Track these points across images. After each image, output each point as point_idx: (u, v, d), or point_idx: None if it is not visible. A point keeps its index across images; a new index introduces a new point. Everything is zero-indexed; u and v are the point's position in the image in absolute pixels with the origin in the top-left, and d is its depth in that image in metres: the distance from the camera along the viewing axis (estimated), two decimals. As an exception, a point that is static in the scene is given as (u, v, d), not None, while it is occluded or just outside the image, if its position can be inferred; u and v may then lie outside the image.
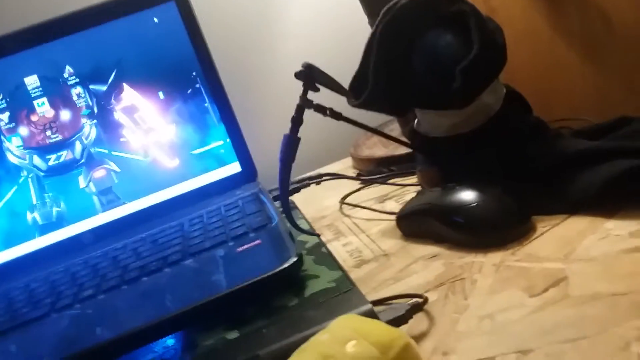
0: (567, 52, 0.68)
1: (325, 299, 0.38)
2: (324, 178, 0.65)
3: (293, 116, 0.48)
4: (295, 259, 0.40)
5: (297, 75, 0.48)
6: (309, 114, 0.51)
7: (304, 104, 0.48)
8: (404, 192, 0.62)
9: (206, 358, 0.35)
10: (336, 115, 0.50)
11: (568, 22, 0.66)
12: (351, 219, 0.60)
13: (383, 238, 0.52)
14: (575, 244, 0.40)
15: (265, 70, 0.84)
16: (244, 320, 0.38)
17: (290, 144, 0.47)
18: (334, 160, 0.84)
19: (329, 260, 0.44)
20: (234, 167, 0.66)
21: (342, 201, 0.64)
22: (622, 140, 0.48)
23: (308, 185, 0.64)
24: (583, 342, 0.30)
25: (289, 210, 0.48)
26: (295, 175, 0.78)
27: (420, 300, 0.37)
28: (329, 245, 0.53)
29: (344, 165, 0.80)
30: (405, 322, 0.36)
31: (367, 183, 0.67)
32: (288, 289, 0.41)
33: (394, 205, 0.59)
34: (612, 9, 0.59)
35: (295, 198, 0.70)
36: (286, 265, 0.40)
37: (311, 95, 0.49)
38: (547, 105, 0.75)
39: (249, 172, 0.66)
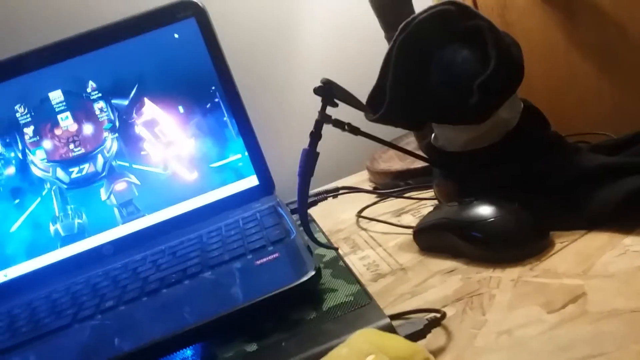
0: (583, 65, 0.68)
1: (344, 313, 0.38)
2: (341, 192, 0.65)
3: (312, 131, 0.48)
4: (313, 272, 0.41)
5: (316, 90, 0.49)
6: (326, 128, 0.52)
7: (323, 119, 0.48)
8: (420, 206, 0.62)
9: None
10: (354, 130, 0.50)
11: (584, 35, 0.66)
12: (368, 232, 0.60)
13: (400, 252, 0.52)
14: (594, 260, 0.40)
15: (283, 84, 0.85)
16: (262, 333, 0.39)
17: (309, 158, 0.47)
18: (350, 173, 0.85)
19: (347, 274, 0.44)
20: (252, 181, 0.67)
21: (359, 214, 0.64)
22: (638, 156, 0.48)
23: (325, 198, 0.64)
24: (601, 359, 0.30)
25: (307, 223, 0.48)
26: (312, 189, 0.79)
27: (438, 315, 0.37)
28: (346, 259, 0.53)
29: (360, 179, 0.81)
30: (424, 336, 0.36)
31: (383, 197, 0.68)
32: (306, 302, 0.41)
33: (411, 219, 0.59)
34: (629, 21, 0.59)
35: (312, 211, 0.70)
36: (304, 278, 0.40)
37: (330, 110, 0.50)
38: (564, 119, 0.75)
39: (266, 186, 0.66)
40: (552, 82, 0.75)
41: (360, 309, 0.38)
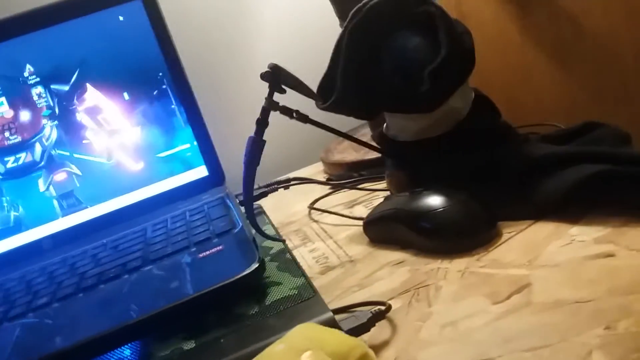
0: (537, 57, 0.68)
1: (287, 307, 0.37)
2: (292, 182, 0.64)
3: (258, 118, 0.47)
4: (256, 265, 0.39)
5: (263, 76, 0.47)
6: (279, 118, 0.50)
7: (270, 106, 0.47)
8: (373, 197, 0.61)
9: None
10: (303, 118, 0.49)
11: (538, 27, 0.66)
12: (319, 224, 0.59)
13: (350, 244, 0.51)
14: (540, 250, 0.39)
15: (234, 71, 0.83)
16: (202, 330, 0.37)
17: (255, 146, 0.46)
18: (305, 165, 0.84)
19: (293, 267, 0.43)
20: (201, 171, 0.65)
21: (311, 206, 0.63)
22: (588, 146, 0.48)
23: (276, 189, 0.63)
24: (544, 351, 0.30)
25: (252, 215, 0.47)
26: (266, 180, 0.77)
27: (382, 307, 0.36)
28: (295, 251, 0.52)
29: (315, 170, 0.79)
30: (367, 330, 0.35)
31: (336, 188, 0.67)
32: (249, 296, 0.39)
33: (363, 211, 0.58)
34: (582, 15, 0.59)
35: (264, 203, 0.69)
36: (247, 271, 0.39)
37: (279, 97, 0.48)
38: (517, 109, 0.75)
39: (216, 176, 0.64)
40: (507, 73, 0.75)
41: (304, 302, 0.37)
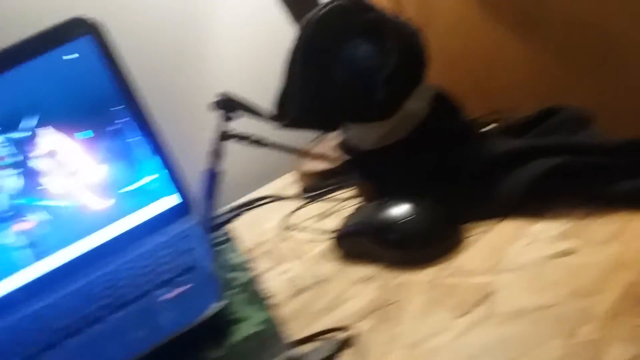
0: (502, 37, 0.67)
1: (250, 347, 0.36)
2: (258, 203, 0.63)
3: (212, 149, 0.46)
4: (221, 304, 0.38)
5: (214, 105, 0.46)
6: (253, 130, 0.49)
7: (222, 135, 0.46)
8: (345, 206, 0.60)
9: None
10: (259, 142, 0.48)
11: (501, 6, 0.65)
12: (291, 241, 0.58)
13: (322, 261, 0.50)
14: (503, 253, 0.39)
15: (195, 96, 0.81)
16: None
17: (211, 178, 0.45)
18: (281, 174, 0.83)
19: (260, 299, 0.42)
20: (171, 200, 0.64)
21: (283, 224, 0.62)
22: (547, 134, 0.47)
23: (243, 213, 0.62)
24: (506, 367, 0.29)
25: (213, 249, 0.46)
26: (244, 193, 0.76)
27: (348, 334, 0.35)
28: (267, 275, 0.51)
29: (291, 180, 0.78)
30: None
31: (308, 200, 0.66)
32: (214, 336, 0.39)
33: (335, 222, 0.57)
34: None
35: (236, 223, 0.68)
36: (211, 312, 0.38)
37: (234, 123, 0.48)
38: (488, 93, 0.74)
39: (186, 204, 0.63)
40: (473, 57, 0.74)
41: (268, 340, 0.36)
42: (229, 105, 0.46)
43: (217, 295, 0.39)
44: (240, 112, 0.46)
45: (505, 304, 0.34)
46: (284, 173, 0.82)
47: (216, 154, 0.45)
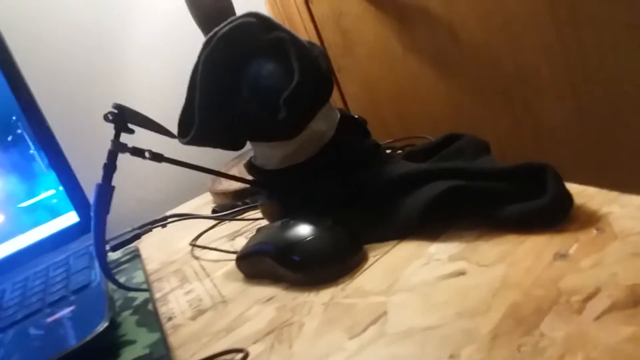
0: (421, 69, 0.69)
1: (135, 371, 0.34)
2: (169, 220, 0.61)
3: (105, 163, 0.44)
4: (105, 325, 0.36)
5: (106, 117, 0.44)
6: (165, 151, 0.47)
7: (116, 148, 0.44)
8: (256, 226, 0.60)
9: None
10: (157, 157, 0.46)
11: (419, 39, 0.67)
12: (200, 261, 0.56)
13: (226, 281, 0.49)
14: (399, 273, 0.39)
15: (101, 108, 0.78)
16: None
17: (104, 193, 0.43)
18: (197, 195, 0.81)
19: (152, 320, 0.40)
20: (71, 218, 0.60)
21: (192, 243, 0.60)
22: (449, 159, 0.48)
23: (150, 230, 0.59)
24: (390, 388, 0.29)
25: (106, 267, 0.43)
26: (156, 213, 0.74)
27: (239, 358, 0.34)
28: (171, 295, 0.49)
29: (204, 201, 0.77)
30: (221, 386, 0.33)
31: (218, 220, 0.64)
32: (101, 359, 0.36)
33: (244, 242, 0.56)
34: (460, 27, 0.60)
35: (148, 242, 0.65)
36: (94, 334, 0.36)
37: (130, 138, 0.46)
38: (407, 122, 0.76)
39: (87, 222, 0.60)
40: (394, 86, 0.75)
41: (154, 363, 0.34)
42: (122, 117, 0.44)
43: (102, 316, 0.37)
44: (135, 126, 0.44)
45: (396, 324, 0.34)
46: (200, 193, 0.81)
47: (108, 168, 0.43)
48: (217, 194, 0.72)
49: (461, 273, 0.36)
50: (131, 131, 0.44)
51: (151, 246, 0.64)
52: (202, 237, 0.62)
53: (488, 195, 0.40)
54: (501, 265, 0.36)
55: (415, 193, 0.43)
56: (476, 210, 0.41)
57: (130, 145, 0.45)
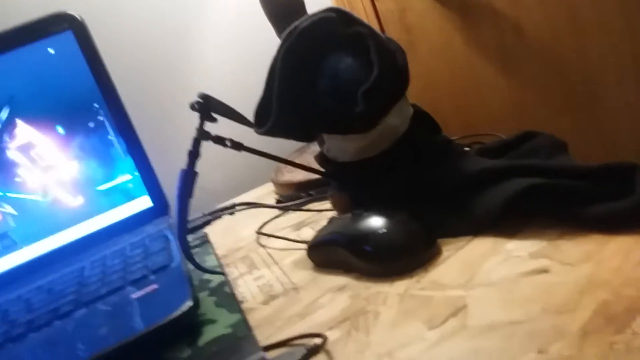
0: (483, 66, 0.69)
1: (219, 348, 0.35)
2: (237, 208, 0.62)
3: (189, 149, 0.45)
4: (190, 304, 0.38)
5: (192, 106, 0.46)
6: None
7: (201, 136, 0.45)
8: (321, 217, 0.60)
9: None
10: (237, 146, 0.48)
11: (483, 36, 0.67)
12: (266, 249, 0.57)
13: (295, 269, 0.50)
14: (477, 268, 0.39)
15: (176, 99, 0.81)
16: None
17: (187, 179, 0.44)
18: (256, 185, 0.82)
19: (231, 302, 0.41)
20: (144, 202, 0.63)
21: (258, 231, 0.61)
22: (524, 157, 0.48)
23: (220, 216, 0.61)
24: (476, 379, 0.29)
25: (188, 250, 0.45)
26: (216, 203, 0.76)
27: (318, 342, 0.35)
28: (240, 280, 0.51)
29: (266, 191, 0.78)
30: (302, 367, 0.34)
31: (284, 210, 0.65)
32: (183, 337, 0.38)
33: (311, 232, 0.57)
34: (525, 22, 0.60)
35: (213, 229, 0.67)
36: (180, 312, 0.37)
37: (213, 126, 0.47)
38: (467, 119, 0.75)
39: (160, 207, 0.62)
40: (455, 83, 0.75)
41: (237, 342, 0.35)
42: (206, 107, 0.45)
43: (186, 296, 0.38)
44: (218, 115, 0.46)
45: (477, 318, 0.34)
46: (263, 183, 0.82)
47: (192, 154, 0.44)
48: (280, 185, 0.73)
49: (544, 271, 0.36)
50: (214, 120, 0.46)
51: (217, 233, 0.66)
52: (266, 226, 0.63)
53: (571, 194, 0.39)
54: (587, 265, 0.35)
55: (494, 189, 0.43)
56: (557, 209, 0.40)
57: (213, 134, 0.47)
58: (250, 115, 0.52)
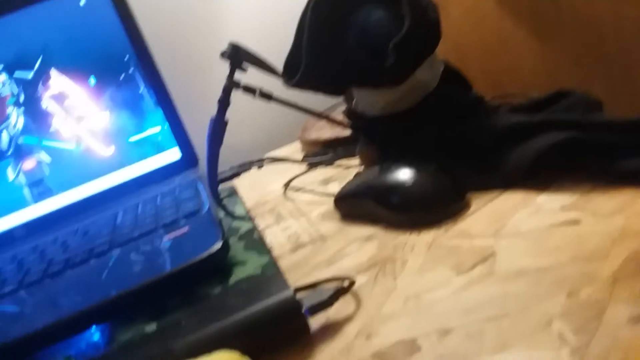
0: (514, 26, 0.67)
1: (249, 286, 0.36)
2: (265, 161, 0.63)
3: (220, 98, 0.46)
4: (220, 245, 0.38)
5: (223, 54, 0.46)
6: (254, 100, 0.49)
7: (231, 84, 0.46)
8: (349, 174, 0.61)
9: (116, 355, 0.33)
10: (266, 96, 0.48)
11: (516, -1, 0.65)
12: (294, 202, 0.58)
13: (322, 221, 0.51)
14: (506, 220, 0.39)
15: (204, 52, 0.81)
16: (165, 312, 0.36)
17: (218, 127, 0.45)
18: (284, 144, 0.83)
19: (260, 246, 0.42)
20: (174, 154, 0.64)
21: (286, 185, 0.62)
22: (557, 113, 0.47)
23: (249, 168, 0.62)
24: (504, 320, 0.29)
25: (217, 195, 0.46)
26: (245, 159, 0.76)
27: (346, 283, 0.35)
28: (268, 230, 0.51)
29: (294, 149, 0.78)
30: (330, 306, 0.34)
31: (312, 166, 0.66)
32: (214, 276, 0.39)
33: (338, 188, 0.57)
34: None
35: (240, 183, 0.68)
36: (210, 252, 0.38)
37: (243, 77, 0.48)
38: (497, 82, 0.74)
39: (189, 158, 0.63)
40: (485, 45, 0.74)
41: (267, 281, 0.36)
42: (237, 56, 0.45)
43: (217, 237, 0.39)
44: (248, 64, 0.46)
45: (506, 264, 0.34)
46: (291, 142, 0.83)
47: (223, 103, 0.45)
48: (307, 143, 0.73)
49: (575, 222, 0.36)
50: (244, 69, 0.46)
51: (244, 187, 0.67)
52: (294, 182, 0.64)
53: (606, 148, 0.39)
54: (619, 216, 0.35)
55: (526, 142, 0.42)
56: (591, 163, 0.40)
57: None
58: (280, 69, 0.52)
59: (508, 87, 0.71)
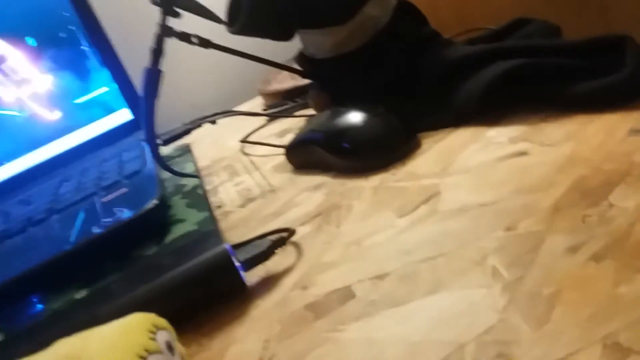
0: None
1: (184, 244, 0.34)
2: (218, 116, 0.60)
3: (152, 47, 0.43)
4: (154, 203, 0.36)
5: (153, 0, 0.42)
6: (216, 54, 0.47)
7: (163, 32, 0.43)
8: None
9: (42, 324, 0.31)
10: (204, 43, 0.45)
11: None
12: (249, 157, 0.56)
13: (275, 173, 0.49)
14: (454, 157, 0.37)
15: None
16: (97, 277, 0.35)
17: (151, 77, 0.42)
18: (247, 100, 0.80)
19: (202, 202, 0.40)
20: (124, 115, 0.61)
21: (243, 140, 0.60)
22: (510, 41, 0.45)
23: (200, 125, 0.59)
24: (440, 260, 0.28)
25: (157, 151, 0.43)
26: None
27: (285, 234, 0.34)
28: (221, 187, 0.49)
29: (255, 104, 0.76)
30: (267, 259, 0.33)
31: (272, 119, 0.63)
32: (150, 236, 0.37)
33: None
34: None
35: (199, 141, 0.66)
36: (143, 210, 0.36)
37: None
38: (466, 17, 0.71)
39: (140, 119, 0.61)
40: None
41: (202, 236, 0.34)
42: (168, 0, 0.42)
43: (153, 195, 0.37)
44: (182, 10, 0.43)
45: (449, 202, 0.32)
46: (252, 98, 0.80)
47: (156, 52, 0.42)
48: (267, 95, 0.71)
49: (523, 153, 0.34)
50: (177, 14, 0.43)
51: (202, 145, 0.65)
52: (252, 136, 0.61)
53: (557, 72, 0.37)
54: (568, 144, 0.33)
55: (476, 75, 0.40)
56: (543, 91, 0.38)
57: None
58: (222, 15, 0.49)
59: (475, 19, 0.68)
